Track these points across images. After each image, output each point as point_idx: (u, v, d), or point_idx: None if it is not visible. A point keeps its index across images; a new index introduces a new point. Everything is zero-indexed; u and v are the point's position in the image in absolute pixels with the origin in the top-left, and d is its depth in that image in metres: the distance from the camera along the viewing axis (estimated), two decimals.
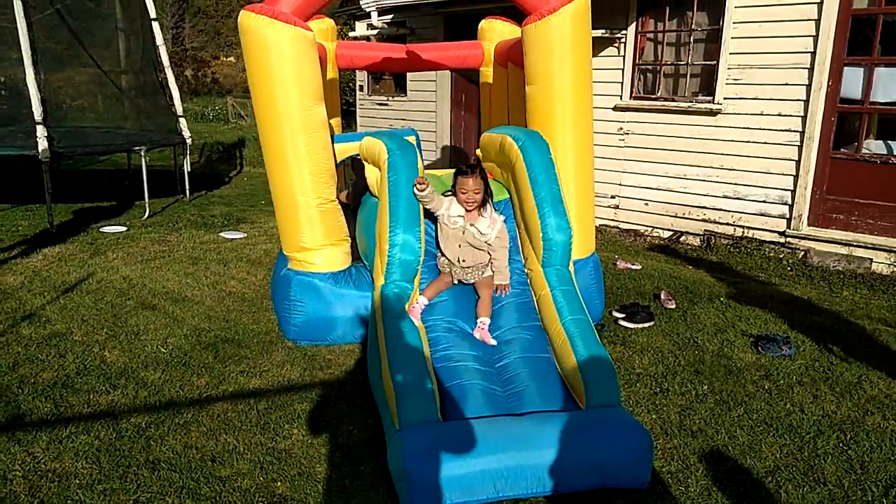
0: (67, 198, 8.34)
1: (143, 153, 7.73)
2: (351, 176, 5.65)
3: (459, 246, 3.59)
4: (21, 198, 8.34)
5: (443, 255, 3.70)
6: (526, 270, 3.70)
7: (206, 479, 2.72)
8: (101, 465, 2.79)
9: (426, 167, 7.79)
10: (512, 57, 5.35)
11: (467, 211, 3.61)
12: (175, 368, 3.72)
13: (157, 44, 8.73)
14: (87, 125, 9.09)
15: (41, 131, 6.78)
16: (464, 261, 3.61)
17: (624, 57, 7.23)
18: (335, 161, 4.44)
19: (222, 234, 6.93)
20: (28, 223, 7.24)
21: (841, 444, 3.08)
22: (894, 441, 3.10)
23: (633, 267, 5.97)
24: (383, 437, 3.00)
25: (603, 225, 7.53)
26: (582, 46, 3.97)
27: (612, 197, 7.55)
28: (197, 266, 5.70)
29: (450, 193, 3.69)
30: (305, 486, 2.68)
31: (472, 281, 3.65)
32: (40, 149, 6.77)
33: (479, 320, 3.46)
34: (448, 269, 3.67)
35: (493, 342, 3.31)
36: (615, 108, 7.35)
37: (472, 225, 3.59)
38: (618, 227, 7.55)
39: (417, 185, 3.50)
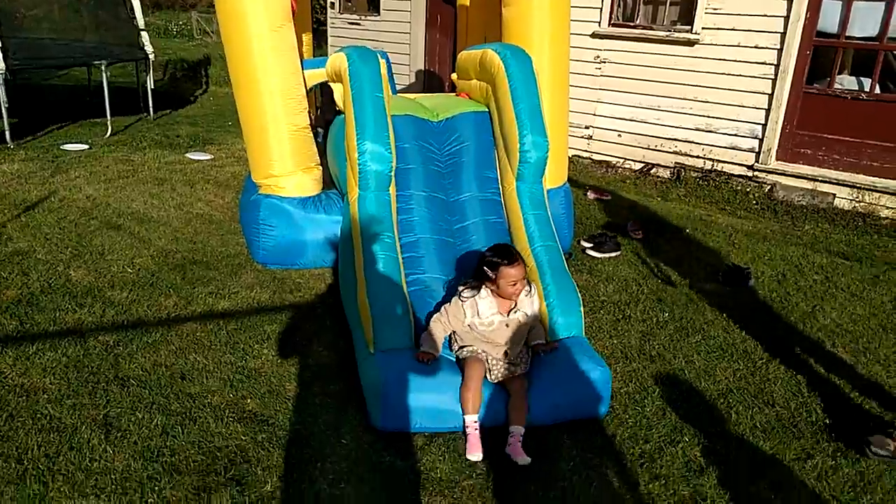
0: (25, 113, 8.02)
1: (103, 68, 7.42)
2: (321, 103, 5.52)
3: (506, 343, 2.79)
4: None
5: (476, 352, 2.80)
6: (500, 188, 3.66)
7: (175, 395, 2.75)
8: (70, 380, 2.81)
9: (400, 91, 7.62)
10: None
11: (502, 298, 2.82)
12: (142, 289, 3.71)
13: None
14: (44, 37, 8.65)
15: None
16: (516, 355, 2.81)
17: None
18: (305, 87, 4.31)
19: (188, 155, 6.77)
20: None
21: (790, 370, 3.22)
22: (841, 367, 3.26)
23: (603, 198, 6.02)
24: (353, 359, 3.05)
25: (575, 156, 7.52)
26: None
27: (587, 127, 7.51)
28: (162, 187, 5.59)
29: (472, 286, 2.86)
30: (275, 404, 2.74)
31: (515, 374, 2.78)
32: None
33: (513, 429, 2.57)
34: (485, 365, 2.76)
35: (527, 460, 2.47)
36: (593, 35, 7.22)
37: (515, 312, 2.82)
38: (590, 159, 7.56)
39: (424, 359, 2.73)
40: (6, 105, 6.59)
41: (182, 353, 3.07)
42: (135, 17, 8.46)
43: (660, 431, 2.70)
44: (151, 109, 8.63)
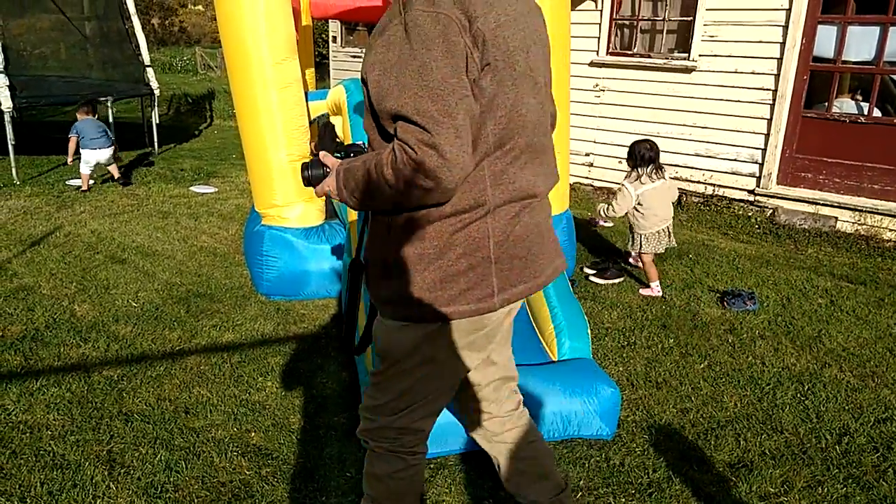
0: (31, 150, 8.12)
1: (109, 104, 7.53)
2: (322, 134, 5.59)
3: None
4: None
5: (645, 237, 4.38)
6: None
7: (179, 430, 2.74)
8: (73, 416, 2.80)
9: None
10: None
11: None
12: (147, 322, 3.71)
13: None
14: (51, 74, 8.80)
15: (2, 80, 6.56)
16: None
17: (601, 11, 7.16)
18: (308, 118, 4.37)
19: (192, 189, 6.83)
20: None
21: (799, 395, 3.20)
22: (849, 391, 3.23)
23: (606, 224, 6.03)
24: (358, 390, 3.04)
25: (577, 182, 7.56)
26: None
27: (587, 154, 7.56)
28: (167, 220, 5.63)
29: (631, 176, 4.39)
30: (279, 437, 2.72)
31: None
32: (2, 100, 6.55)
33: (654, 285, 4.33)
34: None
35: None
36: (591, 64, 7.31)
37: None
38: (591, 185, 7.59)
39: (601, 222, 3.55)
40: (13, 142, 6.67)
41: (186, 387, 3.06)
42: (140, 54, 8.61)
43: (668, 459, 2.68)
44: (156, 144, 8.73)
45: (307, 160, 1.78)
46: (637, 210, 4.37)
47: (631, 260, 4.92)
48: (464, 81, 1.38)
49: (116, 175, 6.70)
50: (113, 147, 6.65)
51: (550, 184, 1.66)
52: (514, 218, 1.56)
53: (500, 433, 1.96)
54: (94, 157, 6.49)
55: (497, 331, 1.67)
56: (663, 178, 4.38)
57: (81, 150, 6.46)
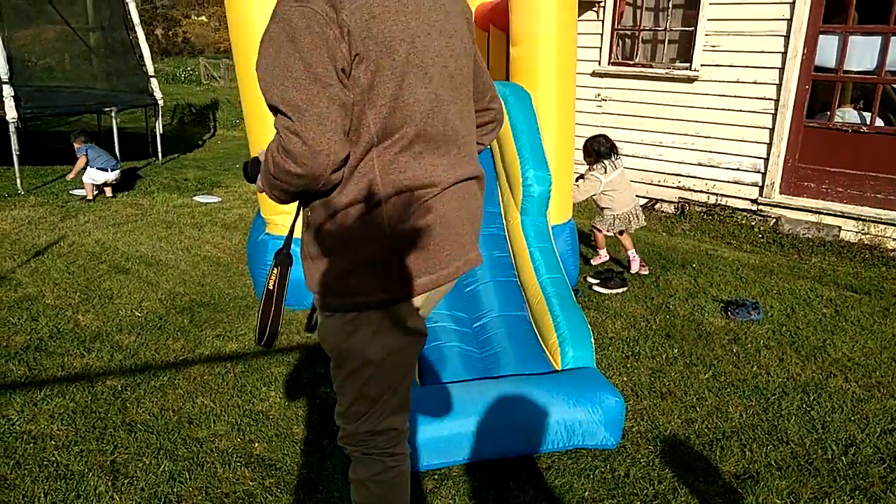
0: (36, 160, 8.15)
1: (113, 115, 7.56)
2: None
3: None
4: None
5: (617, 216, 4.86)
6: (504, 222, 3.69)
7: (183, 440, 2.74)
8: (77, 426, 2.80)
9: None
10: (493, 19, 5.29)
11: None
12: (150, 332, 3.71)
13: (126, 0, 8.48)
14: (55, 85, 8.84)
15: (7, 91, 6.59)
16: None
17: (603, 21, 7.19)
18: None
19: (196, 198, 6.85)
20: None
21: (804, 406, 3.19)
22: (854, 402, 3.22)
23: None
24: None
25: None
26: (568, 7, 3.95)
27: None
28: (171, 230, 5.64)
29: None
30: (283, 447, 2.72)
31: None
32: (7, 111, 6.58)
33: (631, 253, 4.90)
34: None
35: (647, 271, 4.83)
36: (593, 74, 7.33)
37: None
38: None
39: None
40: (18, 152, 6.70)
41: (189, 397, 3.06)
42: (144, 64, 8.66)
43: (673, 470, 2.66)
44: (160, 154, 8.76)
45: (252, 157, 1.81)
46: (607, 195, 4.87)
47: (634, 269, 4.92)
48: (329, 71, 1.42)
49: (108, 193, 6.74)
50: (120, 171, 6.72)
51: (460, 175, 1.65)
52: (410, 207, 1.57)
53: None
54: (104, 177, 6.56)
55: (418, 319, 1.68)
56: (622, 165, 4.97)
57: (90, 168, 6.50)
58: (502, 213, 3.70)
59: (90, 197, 6.52)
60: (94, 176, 6.50)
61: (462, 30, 1.66)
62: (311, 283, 1.66)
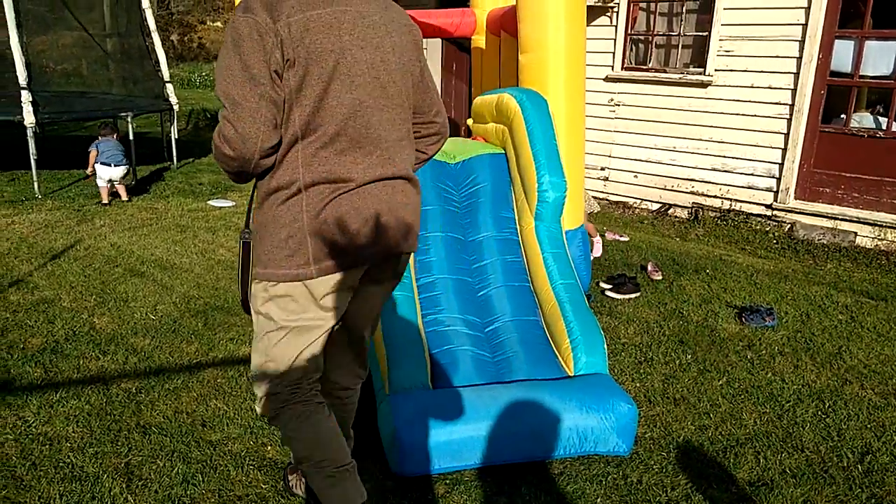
0: (53, 164, 8.25)
1: (129, 119, 7.64)
2: None
3: None
4: (6, 164, 8.24)
5: None
6: (517, 227, 3.68)
7: (196, 443, 2.75)
8: (92, 428, 2.82)
9: None
10: (504, 25, 5.30)
11: None
12: (165, 335, 3.74)
13: (143, 6, 8.57)
14: (73, 90, 8.95)
15: (25, 96, 6.68)
16: None
17: (616, 27, 7.18)
18: None
19: (210, 203, 6.90)
20: (14, 189, 7.17)
21: (819, 413, 3.16)
22: (871, 409, 3.18)
23: (621, 239, 6.02)
24: (374, 403, 3.04)
25: (592, 197, 7.54)
26: (576, 14, 3.95)
27: (602, 169, 7.55)
28: (185, 234, 5.68)
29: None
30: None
31: None
32: (25, 115, 6.67)
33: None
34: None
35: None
36: (606, 79, 7.32)
37: None
38: (607, 200, 7.58)
39: None
40: (35, 157, 6.79)
41: (203, 400, 3.08)
42: (160, 70, 8.74)
43: (686, 477, 2.65)
44: (175, 158, 8.83)
45: None
46: None
47: (649, 273, 4.90)
48: (263, 73, 1.69)
49: (124, 196, 6.79)
50: (126, 168, 6.76)
51: (380, 174, 1.87)
52: (326, 198, 1.81)
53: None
54: (108, 173, 6.60)
55: (332, 297, 1.90)
56: None
57: (96, 166, 6.56)
58: (516, 218, 3.70)
59: (105, 200, 6.59)
60: (100, 174, 6.56)
61: (402, 48, 1.90)
62: (255, 256, 1.93)
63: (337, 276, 1.87)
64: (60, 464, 2.59)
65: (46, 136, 9.79)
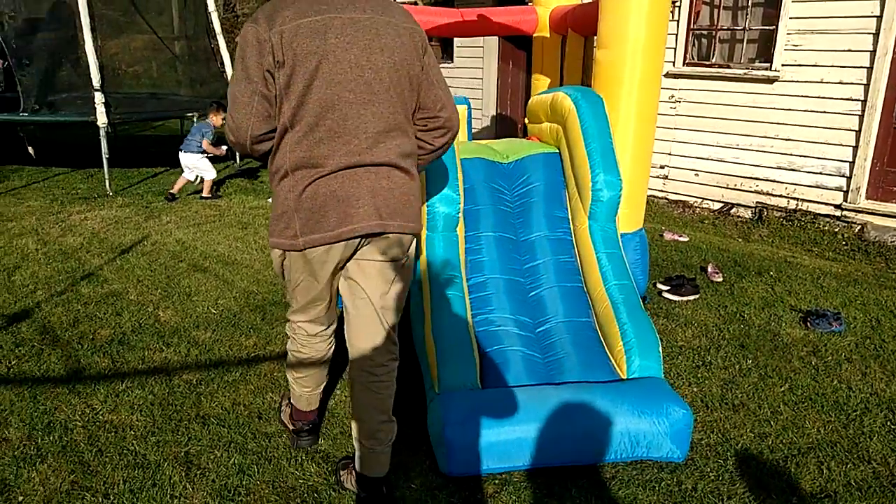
0: (124, 162, 8.60)
1: (195, 119, 7.89)
2: None
3: None
4: (81, 162, 8.64)
5: None
6: (570, 227, 3.63)
7: (252, 434, 2.83)
8: (155, 418, 2.93)
9: (472, 136, 7.72)
10: (572, 23, 5.23)
11: None
12: (225, 329, 3.85)
13: (209, 10, 8.84)
14: (143, 91, 9.30)
15: (99, 98, 6.98)
16: None
17: (678, 21, 7.00)
18: None
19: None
20: (87, 186, 7.52)
21: (889, 423, 3.01)
22: None
23: (681, 239, 5.88)
24: (424, 399, 3.06)
25: (651, 196, 7.39)
26: (660, 11, 3.84)
27: (662, 167, 7.39)
28: (246, 231, 5.84)
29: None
30: (347, 445, 2.77)
31: None
32: (98, 116, 6.97)
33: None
34: None
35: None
36: (667, 75, 7.15)
37: None
38: (666, 199, 7.41)
39: None
40: (107, 156, 7.09)
41: (260, 393, 3.16)
42: (224, 71, 9.00)
43: (744, 486, 2.57)
44: (238, 157, 9.08)
45: None
46: None
47: (709, 275, 4.77)
48: (258, 73, 1.99)
49: (205, 192, 7.02)
50: (191, 156, 6.92)
51: (357, 161, 2.11)
52: (306, 180, 2.09)
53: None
54: (182, 160, 6.87)
55: (321, 267, 2.22)
56: None
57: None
58: (569, 217, 3.65)
59: (173, 190, 6.86)
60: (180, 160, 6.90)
61: (395, 48, 2.10)
62: None
63: (321, 250, 2.16)
64: (124, 451, 2.70)
65: (118, 136, 10.22)
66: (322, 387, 2.69)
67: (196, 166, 6.92)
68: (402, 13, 2.16)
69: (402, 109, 2.16)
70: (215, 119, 6.93)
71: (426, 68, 2.19)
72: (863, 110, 5.94)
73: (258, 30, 1.98)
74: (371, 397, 2.35)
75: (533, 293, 3.37)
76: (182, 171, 7.00)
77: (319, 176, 2.09)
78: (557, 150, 3.85)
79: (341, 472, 2.53)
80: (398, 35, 2.11)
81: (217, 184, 7.53)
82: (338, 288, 2.40)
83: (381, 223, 2.17)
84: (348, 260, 2.26)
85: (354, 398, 2.40)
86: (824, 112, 6.17)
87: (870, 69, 5.83)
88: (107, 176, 7.16)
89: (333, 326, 2.58)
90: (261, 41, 1.97)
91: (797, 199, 6.48)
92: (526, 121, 4.54)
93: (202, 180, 7.06)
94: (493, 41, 9.49)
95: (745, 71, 6.59)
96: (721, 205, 7.02)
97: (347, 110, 2.07)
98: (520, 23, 6.03)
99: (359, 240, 2.19)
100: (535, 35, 6.16)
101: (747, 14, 6.59)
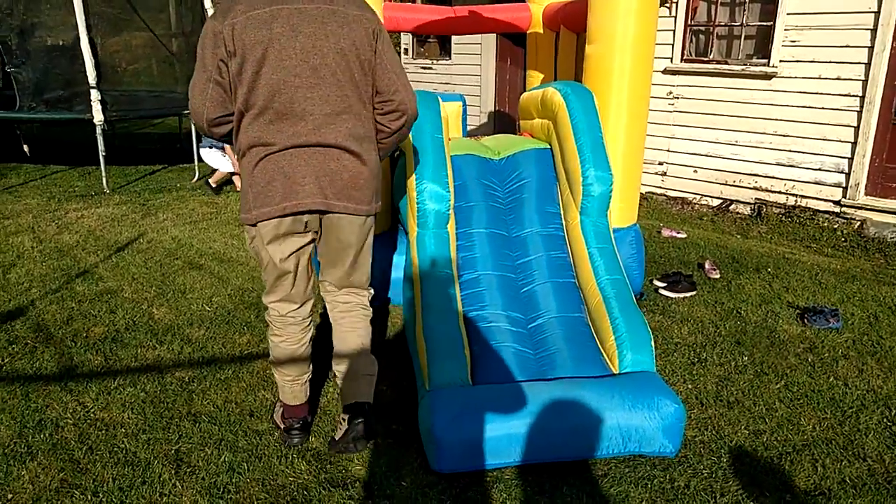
0: (122, 160, 8.58)
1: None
2: None
3: None
4: (78, 159, 8.63)
5: None
6: (562, 222, 3.62)
7: (243, 432, 2.81)
8: (146, 415, 2.92)
9: (470, 133, 7.69)
10: (564, 19, 5.21)
11: None
12: (218, 326, 3.84)
13: (206, 8, 8.81)
14: (141, 89, 9.27)
15: (95, 95, 6.96)
16: None
17: (675, 17, 6.97)
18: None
19: None
20: (84, 184, 7.50)
21: (885, 420, 2.99)
22: None
23: (679, 235, 5.85)
24: (416, 397, 3.04)
25: (649, 192, 7.37)
26: (649, 6, 3.83)
27: (660, 163, 7.36)
28: (242, 228, 5.82)
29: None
30: None
31: None
32: (94, 114, 6.95)
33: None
34: None
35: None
36: (665, 71, 7.12)
37: None
38: (665, 195, 7.38)
39: None
40: (104, 153, 7.07)
41: (252, 390, 3.14)
42: None
43: (738, 483, 2.55)
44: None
45: None
46: None
47: (706, 271, 4.74)
48: (213, 62, 2.22)
49: (213, 180, 7.09)
50: (204, 150, 7.05)
51: (304, 141, 2.28)
52: (258, 158, 2.30)
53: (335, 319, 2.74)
54: (205, 157, 7.02)
55: (275, 241, 2.39)
56: None
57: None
58: (561, 213, 3.63)
59: (213, 184, 7.07)
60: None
61: (342, 35, 2.25)
62: None
63: (271, 224, 2.35)
64: (115, 449, 2.69)
65: (117, 133, 10.20)
66: (305, 378, 2.72)
67: (218, 163, 7.02)
68: (353, 3, 2.31)
69: (354, 93, 2.31)
70: None
71: (379, 54, 2.33)
72: (861, 106, 5.91)
73: (214, 24, 2.20)
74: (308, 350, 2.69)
75: (525, 289, 3.35)
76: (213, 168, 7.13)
77: (269, 153, 2.28)
78: (549, 146, 3.83)
79: (275, 416, 2.84)
80: (346, 23, 2.27)
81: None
82: (306, 267, 2.56)
83: (326, 202, 2.35)
84: (308, 241, 2.47)
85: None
86: (823, 108, 6.14)
87: (868, 65, 5.80)
88: (104, 173, 7.14)
89: (307, 307, 2.64)
90: (216, 34, 2.19)
91: (796, 196, 6.45)
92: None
93: (214, 172, 7.14)
94: (491, 39, 9.46)
95: (743, 67, 6.56)
96: (720, 201, 6.99)
97: (294, 94, 2.24)
98: (513, 19, 6.00)
99: (306, 217, 2.37)
100: (528, 32, 6.14)
101: (745, 10, 6.56)
